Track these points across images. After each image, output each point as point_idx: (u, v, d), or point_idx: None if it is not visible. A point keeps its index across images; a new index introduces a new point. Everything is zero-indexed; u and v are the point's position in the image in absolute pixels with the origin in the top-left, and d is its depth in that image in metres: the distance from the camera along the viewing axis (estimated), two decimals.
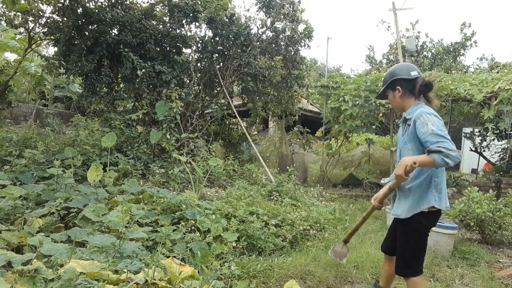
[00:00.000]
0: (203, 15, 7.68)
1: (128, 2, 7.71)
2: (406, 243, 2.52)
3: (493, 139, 10.91)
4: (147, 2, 8.01)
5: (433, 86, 2.49)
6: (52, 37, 7.63)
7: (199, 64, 8.51)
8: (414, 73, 2.54)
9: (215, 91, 9.04)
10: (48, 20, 7.39)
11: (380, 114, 8.44)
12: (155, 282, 2.43)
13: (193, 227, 3.85)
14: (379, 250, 4.27)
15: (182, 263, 2.64)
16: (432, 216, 2.47)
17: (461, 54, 22.63)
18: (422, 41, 23.53)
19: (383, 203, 2.61)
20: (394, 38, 20.60)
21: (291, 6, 8.91)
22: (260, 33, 9.11)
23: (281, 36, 9.13)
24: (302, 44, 9.33)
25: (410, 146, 2.48)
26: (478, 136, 11.02)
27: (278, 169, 8.95)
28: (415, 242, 2.50)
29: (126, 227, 3.41)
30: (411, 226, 2.49)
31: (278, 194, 6.10)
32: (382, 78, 8.67)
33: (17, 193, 3.78)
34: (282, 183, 6.45)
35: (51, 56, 7.84)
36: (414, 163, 2.18)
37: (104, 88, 7.78)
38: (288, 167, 8.16)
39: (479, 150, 11.19)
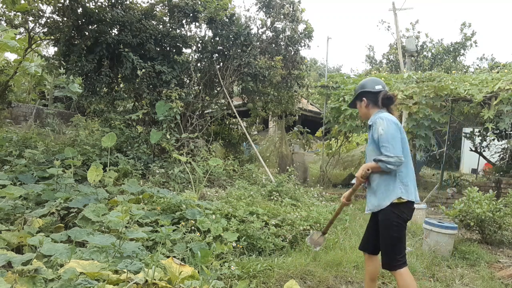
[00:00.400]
0: (203, 15, 7.68)
1: (128, 2, 7.70)
2: (384, 236, 2.72)
3: (493, 139, 10.92)
4: (147, 2, 8.02)
5: (394, 99, 2.87)
6: (52, 37, 7.63)
7: (199, 64, 8.51)
8: (378, 87, 2.90)
9: (215, 91, 9.04)
10: (48, 20, 7.39)
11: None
12: (155, 282, 2.44)
13: (193, 227, 3.85)
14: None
15: (182, 263, 2.64)
16: (403, 207, 2.67)
17: (461, 54, 22.64)
18: (422, 41, 23.53)
19: (350, 200, 2.94)
20: (394, 38, 20.62)
21: (291, 6, 8.91)
22: (260, 33, 9.11)
23: (281, 36, 9.13)
24: (302, 44, 9.33)
25: (371, 147, 2.80)
26: (478, 136, 11.03)
27: (278, 169, 8.95)
28: (391, 233, 2.68)
29: (126, 227, 3.41)
30: (385, 218, 2.70)
31: (278, 194, 6.10)
32: (383, 78, 8.73)
33: (17, 193, 3.79)
34: (282, 183, 6.45)
35: (51, 56, 7.83)
36: (368, 170, 2.66)
37: (104, 88, 7.77)
38: (288, 167, 8.16)
39: (479, 150, 11.20)
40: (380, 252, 2.83)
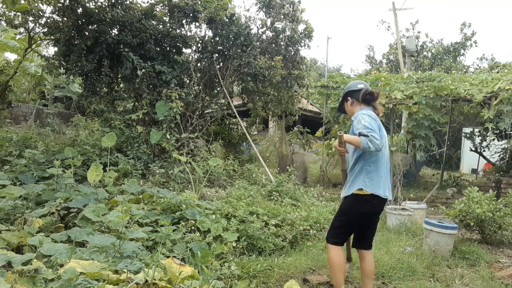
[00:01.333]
0: (203, 15, 7.68)
1: (128, 2, 7.70)
2: (337, 216, 3.04)
3: (493, 139, 10.91)
4: (147, 2, 8.01)
5: (376, 95, 3.01)
6: (52, 37, 7.63)
7: (199, 64, 8.51)
8: (360, 86, 3.11)
9: (215, 91, 9.04)
10: (48, 20, 7.39)
11: (380, 114, 8.44)
12: (155, 282, 2.43)
13: (193, 227, 3.85)
14: (379, 250, 4.28)
15: (182, 263, 2.64)
16: (364, 200, 2.84)
17: (461, 54, 22.64)
18: (422, 41, 23.52)
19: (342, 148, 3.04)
20: (394, 38, 20.60)
21: (291, 6, 8.91)
22: (260, 33, 9.11)
23: (281, 36, 9.13)
24: (302, 44, 9.33)
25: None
26: (478, 136, 11.02)
27: (278, 169, 8.95)
28: (339, 216, 2.99)
29: (126, 227, 3.41)
30: (343, 203, 3.00)
31: (278, 194, 6.10)
32: (383, 78, 8.74)
33: (17, 193, 3.79)
34: (282, 183, 6.45)
35: (51, 56, 7.83)
36: (340, 132, 2.93)
37: (104, 88, 7.77)
38: (288, 167, 8.16)
39: (479, 150, 11.20)
40: (370, 249, 3.06)
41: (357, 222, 2.94)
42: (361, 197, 2.83)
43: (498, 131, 9.94)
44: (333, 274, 2.96)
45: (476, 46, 22.56)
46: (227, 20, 8.12)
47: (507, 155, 10.82)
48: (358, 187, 2.83)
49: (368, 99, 3.00)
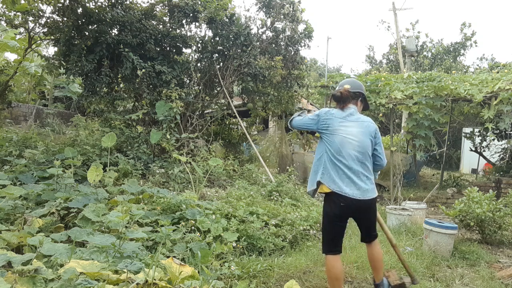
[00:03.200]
0: (203, 15, 7.67)
1: (128, 2, 7.70)
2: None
3: (493, 139, 10.91)
4: (147, 2, 8.01)
5: (335, 95, 3.06)
6: (52, 37, 7.62)
7: (199, 64, 8.51)
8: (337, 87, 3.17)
9: (215, 91, 9.03)
10: (48, 20, 7.39)
11: (380, 114, 8.45)
12: (155, 282, 2.43)
13: (193, 227, 3.85)
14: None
15: (182, 263, 2.64)
16: (328, 198, 2.89)
17: (461, 54, 22.64)
18: (422, 41, 23.52)
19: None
20: (394, 38, 20.59)
21: (291, 6, 8.91)
22: (260, 33, 9.11)
23: (281, 36, 9.12)
24: (302, 44, 9.32)
25: None
26: (478, 136, 11.03)
27: (278, 169, 8.95)
28: (322, 220, 3.00)
29: (126, 227, 3.41)
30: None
31: (278, 194, 6.10)
32: (383, 78, 8.73)
33: (17, 193, 3.78)
34: (282, 183, 6.45)
35: (51, 56, 7.82)
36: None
37: (104, 88, 7.77)
38: (288, 167, 8.16)
39: (479, 150, 11.20)
40: (375, 239, 3.05)
41: (332, 222, 2.91)
42: (327, 196, 2.93)
43: (498, 131, 9.94)
44: (329, 285, 2.90)
45: (476, 46, 22.58)
46: (227, 20, 8.12)
47: (507, 155, 10.83)
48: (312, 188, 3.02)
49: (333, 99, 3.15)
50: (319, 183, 2.88)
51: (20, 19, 7.53)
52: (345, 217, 2.92)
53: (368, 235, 3.05)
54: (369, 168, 2.92)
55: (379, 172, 3.19)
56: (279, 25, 9.07)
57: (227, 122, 9.96)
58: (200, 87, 8.53)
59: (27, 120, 11.46)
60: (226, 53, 8.36)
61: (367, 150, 2.90)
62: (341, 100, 3.02)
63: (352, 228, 5.22)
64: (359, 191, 2.78)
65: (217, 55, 8.54)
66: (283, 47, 9.10)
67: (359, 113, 3.10)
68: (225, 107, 8.96)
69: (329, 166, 2.85)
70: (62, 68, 7.61)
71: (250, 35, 8.32)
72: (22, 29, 7.81)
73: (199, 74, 8.44)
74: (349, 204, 2.78)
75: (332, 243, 2.89)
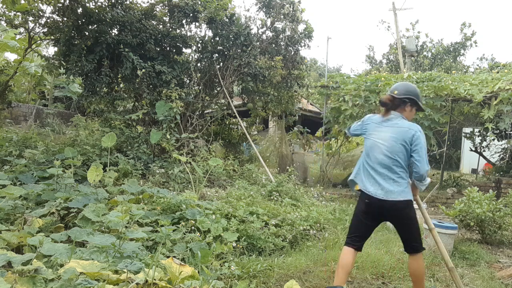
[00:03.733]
0: (203, 15, 7.68)
1: (128, 2, 7.70)
2: None
3: (493, 139, 10.92)
4: (147, 2, 8.01)
5: (382, 101, 3.12)
6: (52, 37, 7.63)
7: (199, 64, 8.51)
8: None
9: (215, 91, 9.03)
10: (48, 20, 7.39)
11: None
12: (155, 282, 2.43)
13: (193, 227, 3.85)
14: (380, 250, 4.28)
15: (182, 263, 2.64)
16: (359, 196, 3.06)
17: (461, 54, 22.65)
18: (422, 41, 23.53)
19: None
20: (394, 38, 20.61)
21: (291, 6, 8.91)
22: (260, 33, 9.11)
23: (281, 36, 9.12)
24: (302, 44, 9.32)
25: None
26: (478, 136, 11.03)
27: (278, 169, 8.95)
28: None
29: (126, 227, 3.41)
30: None
31: (278, 194, 6.09)
32: (383, 78, 8.73)
33: (17, 193, 3.78)
34: (282, 183, 6.45)
35: (51, 56, 7.83)
36: None
37: (104, 88, 7.77)
38: (288, 167, 8.16)
39: (479, 150, 11.20)
40: (411, 253, 3.05)
41: (358, 217, 3.06)
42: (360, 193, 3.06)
43: (498, 131, 9.94)
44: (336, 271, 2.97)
45: (476, 46, 22.60)
46: (227, 20, 8.12)
47: (507, 155, 10.83)
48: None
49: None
50: (353, 181, 3.11)
51: (20, 19, 7.53)
52: (371, 214, 2.98)
53: (407, 245, 3.02)
54: (398, 172, 2.90)
55: (423, 183, 2.96)
56: (279, 25, 9.08)
57: (227, 122, 9.96)
58: (200, 87, 8.53)
59: (27, 120, 11.46)
60: (226, 53, 8.36)
61: (397, 155, 2.91)
62: (386, 106, 3.07)
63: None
64: (382, 191, 2.88)
65: (217, 55, 8.54)
66: (283, 47, 9.10)
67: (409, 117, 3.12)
68: (225, 107, 8.96)
69: (361, 167, 3.07)
70: (62, 68, 7.61)
71: (250, 35, 8.32)
72: (22, 29, 7.82)
73: (199, 74, 8.44)
74: (372, 202, 2.92)
75: (351, 235, 3.04)
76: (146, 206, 4.25)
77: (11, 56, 26.68)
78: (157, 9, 8.09)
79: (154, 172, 6.17)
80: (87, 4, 7.17)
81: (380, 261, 3.88)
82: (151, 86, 7.61)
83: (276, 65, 8.31)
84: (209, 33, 8.34)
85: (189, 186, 6.05)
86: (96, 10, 7.16)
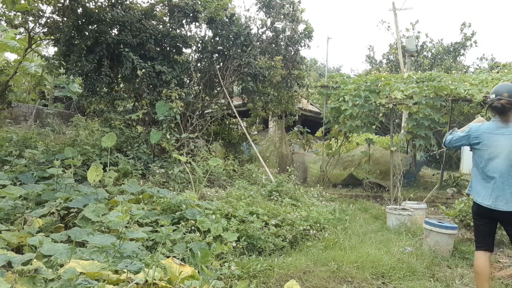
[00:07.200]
0: (203, 15, 7.68)
1: (128, 2, 7.70)
2: None
3: None
4: (147, 2, 8.01)
5: (496, 106, 2.88)
6: (52, 37, 7.63)
7: (199, 64, 8.51)
8: (492, 96, 2.96)
9: (215, 91, 9.04)
10: (48, 20, 7.39)
11: (380, 114, 8.45)
12: (155, 282, 2.43)
13: (193, 227, 3.85)
14: (379, 250, 4.28)
15: (182, 263, 2.64)
16: (475, 205, 3.10)
17: (461, 54, 22.63)
18: (422, 41, 23.52)
19: None
20: (394, 38, 20.59)
21: (291, 6, 8.91)
22: (260, 33, 9.11)
23: (281, 36, 9.12)
24: (302, 44, 9.32)
25: None
26: None
27: (278, 169, 8.95)
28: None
29: (126, 227, 3.41)
30: None
31: (278, 194, 6.09)
32: (383, 78, 8.73)
33: (17, 193, 3.78)
34: (282, 183, 6.45)
35: (51, 56, 7.82)
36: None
37: (104, 88, 7.77)
38: (288, 167, 8.16)
39: None
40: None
41: (479, 223, 3.14)
42: (474, 203, 3.12)
43: None
44: (475, 281, 3.12)
45: (476, 46, 22.58)
46: (227, 20, 8.12)
47: None
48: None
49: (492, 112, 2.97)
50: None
51: (20, 19, 7.53)
52: (484, 216, 3.06)
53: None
54: None
55: None
56: (279, 25, 9.07)
57: (227, 122, 9.96)
58: (200, 87, 8.53)
59: (27, 120, 11.46)
60: (226, 53, 8.36)
61: None
62: (504, 111, 2.84)
63: (352, 228, 5.22)
64: (502, 203, 2.87)
65: (217, 55, 8.54)
66: (283, 47, 9.10)
67: None
68: (225, 107, 8.96)
69: (475, 179, 3.05)
70: (62, 68, 7.61)
71: (250, 35, 8.32)
72: (22, 29, 7.82)
73: (199, 74, 8.44)
74: (484, 210, 2.99)
75: (476, 239, 3.19)
76: (146, 206, 4.25)
77: (11, 56, 26.69)
78: (157, 9, 8.09)
79: (154, 172, 6.17)
80: (87, 4, 7.17)
81: (380, 261, 3.88)
82: (151, 86, 7.61)
83: (276, 65, 8.31)
84: (209, 33, 8.35)
85: (189, 186, 6.05)
86: (96, 10, 7.16)
